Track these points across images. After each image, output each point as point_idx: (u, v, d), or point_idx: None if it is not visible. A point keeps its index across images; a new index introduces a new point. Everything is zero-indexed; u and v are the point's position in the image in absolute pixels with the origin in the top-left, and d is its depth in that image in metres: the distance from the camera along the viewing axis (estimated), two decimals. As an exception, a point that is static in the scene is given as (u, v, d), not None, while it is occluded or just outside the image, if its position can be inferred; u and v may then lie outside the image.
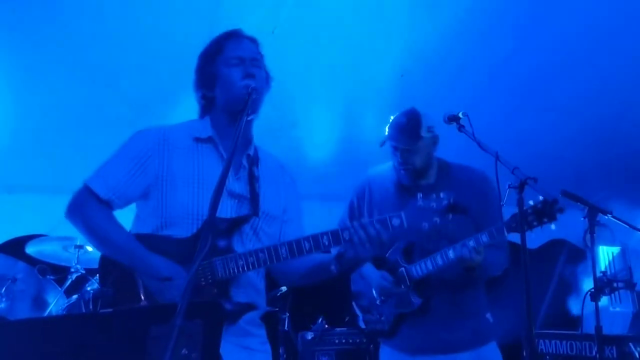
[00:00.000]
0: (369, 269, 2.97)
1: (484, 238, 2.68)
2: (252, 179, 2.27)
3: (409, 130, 2.89)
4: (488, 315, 2.96)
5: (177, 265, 2.10)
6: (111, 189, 2.19)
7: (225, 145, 2.26)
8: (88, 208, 2.20)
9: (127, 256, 2.16)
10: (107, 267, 2.23)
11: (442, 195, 2.09)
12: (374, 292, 2.95)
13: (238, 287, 2.17)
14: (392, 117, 3.00)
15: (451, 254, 2.74)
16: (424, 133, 2.88)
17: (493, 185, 2.91)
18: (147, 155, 2.21)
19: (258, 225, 2.26)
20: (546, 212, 2.55)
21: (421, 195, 2.12)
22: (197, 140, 2.27)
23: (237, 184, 2.25)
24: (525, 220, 2.55)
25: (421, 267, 2.83)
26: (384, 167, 3.08)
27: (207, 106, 2.33)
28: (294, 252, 2.11)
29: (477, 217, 2.86)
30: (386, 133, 2.96)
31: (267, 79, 2.33)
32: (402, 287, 2.86)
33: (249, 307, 2.18)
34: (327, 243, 2.10)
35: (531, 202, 2.57)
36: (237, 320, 2.15)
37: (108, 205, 2.21)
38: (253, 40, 2.35)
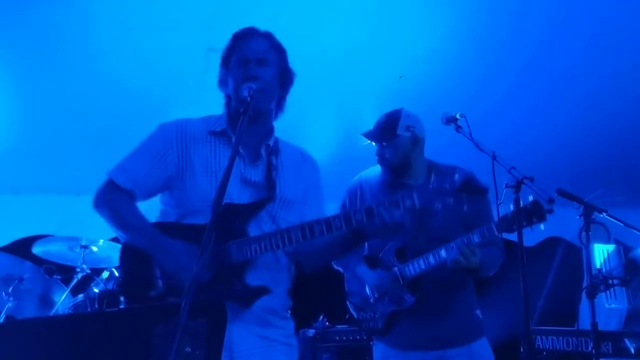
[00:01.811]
0: (362, 269, 3.01)
1: (475, 238, 2.71)
2: (270, 167, 2.32)
3: (384, 127, 2.98)
4: (477, 312, 3.01)
5: (195, 247, 2.11)
6: (131, 180, 2.28)
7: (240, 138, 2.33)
8: (111, 196, 2.29)
9: (145, 238, 2.23)
10: (125, 255, 2.30)
11: (455, 176, 2.13)
12: (367, 290, 2.98)
13: (253, 271, 2.21)
14: None
15: (443, 253, 2.77)
16: (400, 131, 2.94)
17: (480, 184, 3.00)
18: (166, 148, 2.30)
19: (275, 212, 2.30)
20: (535, 212, 2.60)
21: (434, 177, 2.16)
22: (212, 133, 2.34)
23: (253, 172, 2.31)
24: (515, 220, 2.59)
25: (414, 267, 2.87)
26: (376, 168, 3.14)
27: (228, 103, 2.39)
28: (306, 234, 2.16)
29: (467, 218, 2.87)
30: None
31: (283, 74, 2.37)
32: (396, 285, 2.90)
33: (262, 290, 2.20)
34: (339, 225, 2.16)
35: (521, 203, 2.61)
36: (251, 304, 2.18)
37: (130, 195, 2.29)
38: (266, 36, 2.37)
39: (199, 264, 1.73)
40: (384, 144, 2.99)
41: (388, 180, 3.05)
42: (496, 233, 2.71)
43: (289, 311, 2.42)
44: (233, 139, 2.30)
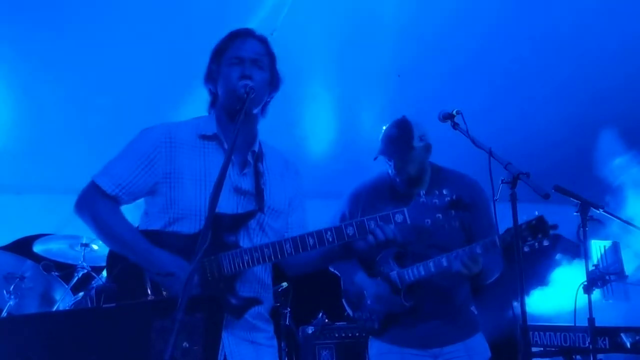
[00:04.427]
0: (361, 277, 3.01)
1: (478, 249, 2.71)
2: (257, 175, 2.31)
3: (400, 142, 2.91)
4: (472, 308, 3.02)
5: (182, 259, 2.12)
6: (117, 185, 2.23)
7: (228, 141, 2.28)
8: (95, 203, 2.24)
9: (131, 251, 2.20)
10: (114, 260, 2.27)
11: (444, 191, 2.13)
12: (366, 298, 2.98)
13: (244, 282, 2.22)
14: (384, 128, 3.01)
15: (444, 261, 2.77)
16: (416, 143, 2.90)
17: (483, 192, 2.98)
18: (153, 153, 2.25)
19: (264, 221, 2.30)
20: (540, 228, 2.60)
21: (423, 192, 2.16)
22: (203, 137, 2.31)
23: (242, 181, 2.29)
24: (520, 235, 2.59)
25: (413, 272, 2.86)
26: (378, 176, 3.11)
27: (214, 101, 2.39)
28: (299, 248, 2.16)
29: (466, 223, 2.90)
30: (380, 145, 2.97)
31: (272, 80, 2.36)
32: (394, 290, 2.90)
33: (254, 301, 2.23)
34: (330, 239, 2.15)
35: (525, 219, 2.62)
36: (243, 315, 2.20)
37: (115, 201, 2.25)
38: (262, 40, 2.37)
39: (192, 267, 1.69)
40: (402, 159, 2.93)
41: (401, 191, 2.99)
42: (499, 247, 2.70)
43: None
44: (224, 144, 2.29)
